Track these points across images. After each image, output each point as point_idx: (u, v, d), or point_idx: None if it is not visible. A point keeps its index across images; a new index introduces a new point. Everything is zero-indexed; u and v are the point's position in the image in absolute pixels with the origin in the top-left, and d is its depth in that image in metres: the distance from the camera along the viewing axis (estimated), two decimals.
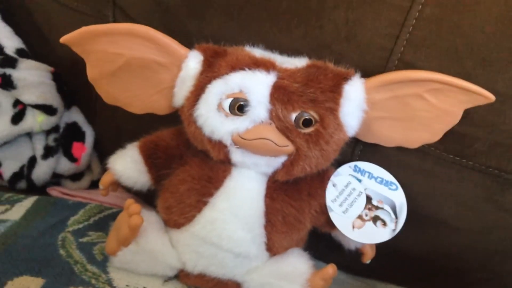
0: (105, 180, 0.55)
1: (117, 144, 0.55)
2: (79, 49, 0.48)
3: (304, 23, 0.50)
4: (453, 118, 0.48)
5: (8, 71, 0.64)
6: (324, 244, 0.58)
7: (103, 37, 0.47)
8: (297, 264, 0.50)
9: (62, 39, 0.47)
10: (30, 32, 0.73)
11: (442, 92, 0.46)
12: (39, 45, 0.72)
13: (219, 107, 0.46)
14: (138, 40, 0.47)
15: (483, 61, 0.46)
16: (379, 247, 0.55)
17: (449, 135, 0.50)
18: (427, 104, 0.47)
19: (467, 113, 0.48)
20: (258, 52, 0.49)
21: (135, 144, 0.54)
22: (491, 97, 0.45)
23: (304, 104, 0.45)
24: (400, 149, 0.53)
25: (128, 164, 0.53)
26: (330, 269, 0.48)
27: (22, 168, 0.71)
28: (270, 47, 0.50)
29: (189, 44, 0.50)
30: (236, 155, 0.47)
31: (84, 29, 0.47)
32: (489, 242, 0.56)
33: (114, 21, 0.65)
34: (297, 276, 0.49)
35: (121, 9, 0.63)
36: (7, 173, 0.71)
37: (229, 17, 0.52)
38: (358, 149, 0.55)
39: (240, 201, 0.48)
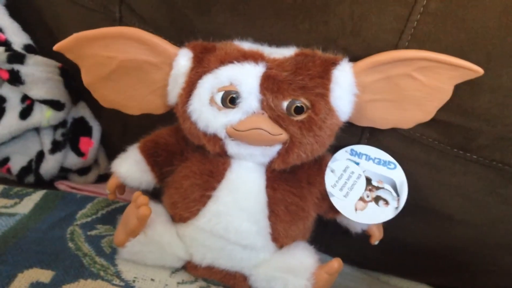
0: (111, 184, 0.55)
1: (124, 138, 0.56)
2: (72, 55, 0.49)
3: (309, 19, 0.50)
4: (444, 94, 0.48)
5: (16, 66, 0.65)
6: (328, 237, 0.59)
7: (95, 42, 0.48)
8: (303, 258, 0.50)
9: (55, 47, 0.48)
10: (38, 28, 0.74)
11: (431, 70, 0.46)
12: (47, 40, 0.72)
13: (211, 101, 0.46)
14: (129, 42, 0.48)
15: (488, 55, 0.46)
16: (383, 240, 0.55)
17: (453, 129, 0.51)
18: (417, 82, 0.47)
19: (471, 107, 0.49)
20: (246, 45, 0.50)
21: (135, 146, 0.55)
22: (479, 71, 0.45)
23: (294, 92, 0.45)
24: (404, 143, 0.53)
25: (131, 166, 0.54)
26: (336, 263, 0.48)
27: (30, 162, 0.72)
28: (275, 42, 0.51)
29: (195, 39, 0.50)
30: (232, 147, 0.47)
31: (75, 35, 0.47)
32: (494, 235, 0.56)
33: (120, 17, 0.66)
34: (302, 270, 0.49)
35: (128, 5, 0.63)
36: (16, 167, 0.72)
37: (234, 13, 0.52)
38: (363, 143, 0.56)
39: (242, 193, 0.49)
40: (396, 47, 0.48)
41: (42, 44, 0.73)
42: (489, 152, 0.51)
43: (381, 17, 0.48)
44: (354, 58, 0.48)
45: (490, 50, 0.46)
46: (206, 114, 0.46)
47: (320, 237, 0.55)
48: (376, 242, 0.55)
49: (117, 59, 0.49)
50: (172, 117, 0.53)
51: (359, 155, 0.52)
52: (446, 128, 0.51)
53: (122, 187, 0.56)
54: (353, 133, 0.54)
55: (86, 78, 0.51)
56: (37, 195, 0.61)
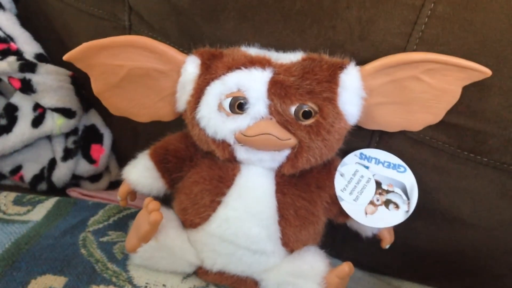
0: (122, 191, 0.56)
1: (134, 145, 0.57)
2: (82, 65, 0.50)
3: (317, 24, 0.50)
4: (452, 96, 0.48)
5: (28, 75, 0.65)
6: (340, 241, 0.59)
7: (104, 51, 0.49)
8: (314, 262, 0.50)
9: (65, 57, 0.48)
10: (49, 37, 0.75)
11: (438, 72, 0.46)
12: (58, 49, 0.73)
13: (220, 107, 0.47)
14: (137, 50, 0.49)
15: (497, 58, 0.46)
16: (395, 244, 0.55)
17: (463, 132, 0.50)
18: (425, 85, 0.47)
19: (481, 110, 0.48)
20: (253, 51, 0.50)
21: (145, 152, 0.55)
22: (487, 72, 0.45)
23: (301, 96, 0.46)
24: (414, 146, 0.53)
25: (141, 173, 0.54)
26: (346, 267, 0.48)
27: (42, 170, 0.73)
28: (283, 47, 0.51)
29: (204, 46, 0.51)
30: (241, 152, 0.48)
31: (85, 45, 0.48)
32: (505, 239, 0.56)
33: (130, 25, 0.66)
34: (313, 274, 0.49)
35: (137, 13, 0.64)
36: (28, 175, 0.73)
37: (243, 19, 0.53)
38: (372, 146, 0.56)
39: (252, 198, 0.49)
40: (404, 50, 0.48)
41: (53, 53, 0.74)
42: (499, 155, 0.51)
43: (388, 21, 0.48)
44: (362, 63, 0.49)
45: (499, 52, 0.46)
46: (215, 121, 0.47)
47: (331, 242, 0.55)
48: (387, 246, 0.55)
49: (126, 67, 0.50)
50: (182, 123, 0.53)
51: (369, 158, 0.52)
52: (456, 131, 0.51)
53: (133, 194, 0.57)
54: (362, 137, 0.54)
55: (96, 87, 0.51)
56: (49, 202, 0.62)
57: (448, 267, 0.62)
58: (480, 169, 0.52)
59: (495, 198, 0.53)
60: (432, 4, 0.46)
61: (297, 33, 0.51)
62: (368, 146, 0.55)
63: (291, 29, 0.51)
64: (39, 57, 0.71)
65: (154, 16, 0.62)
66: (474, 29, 0.46)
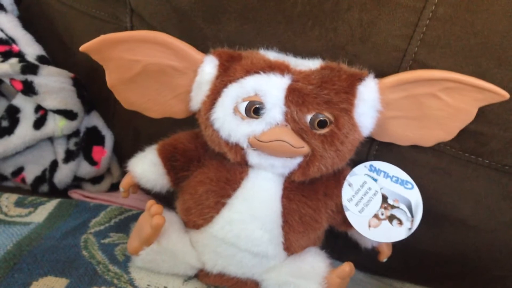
0: (125, 182, 0.56)
1: (136, 147, 0.56)
2: (98, 57, 0.49)
3: (319, 25, 0.50)
4: (468, 116, 0.48)
5: (30, 77, 0.65)
6: (341, 243, 0.59)
7: (121, 45, 0.48)
8: (315, 262, 0.50)
9: (82, 48, 0.48)
10: (51, 39, 0.75)
11: (456, 91, 0.46)
12: (60, 51, 0.74)
13: (235, 110, 0.46)
14: (155, 46, 0.49)
15: (498, 59, 0.46)
16: (396, 246, 0.55)
17: (465, 133, 0.50)
18: (442, 103, 0.47)
19: (482, 112, 0.48)
20: (272, 55, 0.50)
21: (154, 147, 0.55)
22: (506, 95, 0.45)
23: (318, 105, 0.45)
24: (415, 148, 0.53)
25: (147, 167, 0.54)
26: (347, 267, 0.48)
27: (44, 172, 0.73)
28: (285, 49, 0.51)
29: (205, 48, 0.51)
30: (253, 157, 0.47)
31: (102, 37, 0.48)
32: (507, 240, 0.56)
33: (132, 27, 0.66)
34: (314, 274, 0.49)
35: (139, 15, 0.64)
36: (30, 177, 0.73)
37: (244, 21, 0.53)
38: (374, 149, 0.56)
39: (257, 201, 0.48)
40: (405, 52, 0.48)
41: (54, 54, 0.74)
42: (501, 157, 0.51)
43: (390, 23, 0.48)
44: (363, 65, 0.49)
45: (500, 54, 0.46)
46: (229, 123, 0.46)
47: (333, 244, 0.55)
48: (385, 260, 0.55)
49: (142, 62, 0.49)
50: (187, 125, 0.53)
51: (378, 171, 0.52)
52: (458, 133, 0.51)
53: (136, 186, 0.57)
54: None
55: (110, 80, 0.51)
56: (51, 204, 0.62)
57: (449, 269, 0.62)
58: (482, 171, 0.52)
59: (496, 200, 0.53)
60: (433, 6, 0.46)
61: (298, 35, 0.51)
62: (370, 147, 0.55)
63: (293, 31, 0.51)
64: (40, 59, 0.71)
65: (155, 18, 0.62)
66: (475, 31, 0.46)
